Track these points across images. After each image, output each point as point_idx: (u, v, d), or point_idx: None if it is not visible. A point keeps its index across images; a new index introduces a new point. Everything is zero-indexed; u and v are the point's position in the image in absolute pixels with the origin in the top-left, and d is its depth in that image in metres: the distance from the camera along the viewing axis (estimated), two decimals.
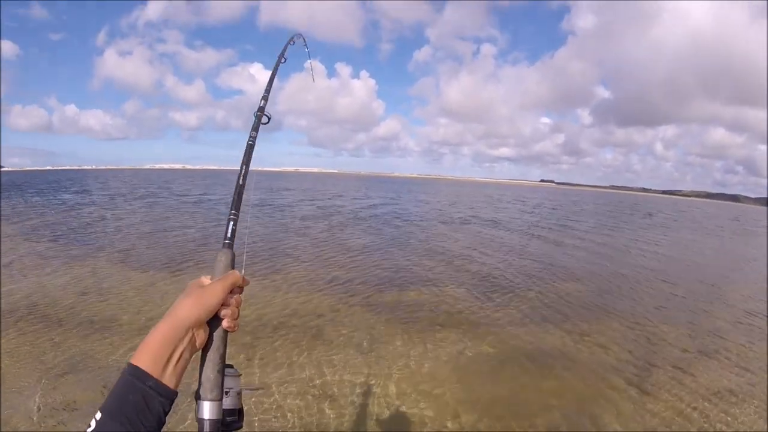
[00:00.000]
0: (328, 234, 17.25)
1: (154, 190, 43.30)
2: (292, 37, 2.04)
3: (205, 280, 0.94)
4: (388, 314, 8.02)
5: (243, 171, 1.25)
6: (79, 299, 8.28)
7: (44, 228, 16.44)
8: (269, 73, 1.65)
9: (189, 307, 0.84)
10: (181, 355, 0.79)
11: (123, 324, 7.05)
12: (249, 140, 1.35)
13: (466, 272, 11.59)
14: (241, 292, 0.97)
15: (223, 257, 1.01)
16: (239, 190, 1.20)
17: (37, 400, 4.80)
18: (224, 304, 0.90)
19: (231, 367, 0.93)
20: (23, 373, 5.40)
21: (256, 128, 1.42)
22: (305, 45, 2.28)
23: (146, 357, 0.73)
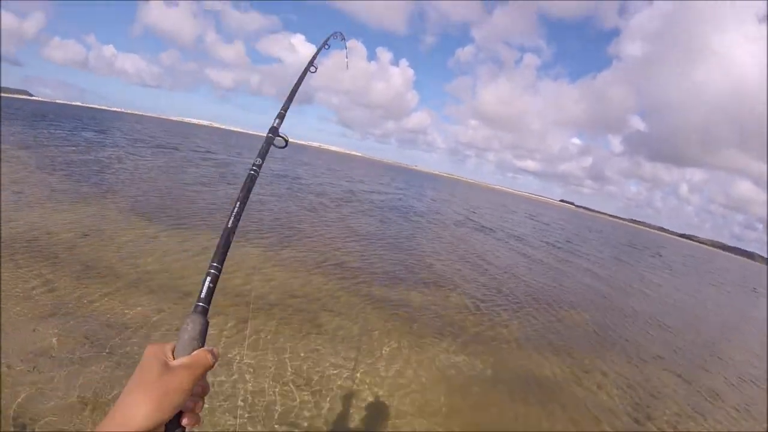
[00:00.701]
0: (339, 216, 17.03)
1: (177, 142, 43.32)
2: (328, 38, 1.96)
3: (169, 354, 0.72)
4: (386, 310, 7.77)
5: (237, 209, 0.97)
6: (80, 240, 8.14)
7: (60, 162, 16.40)
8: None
9: (148, 410, 0.62)
10: None
11: (118, 273, 6.89)
12: (252, 170, 1.09)
13: (472, 282, 11.29)
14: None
15: (192, 326, 0.78)
16: (227, 236, 0.92)
17: (14, 341, 4.65)
18: (189, 398, 0.70)
19: None
20: (9, 309, 5.24)
21: (263, 155, 1.16)
22: (345, 43, 2.25)
23: None
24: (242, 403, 4.37)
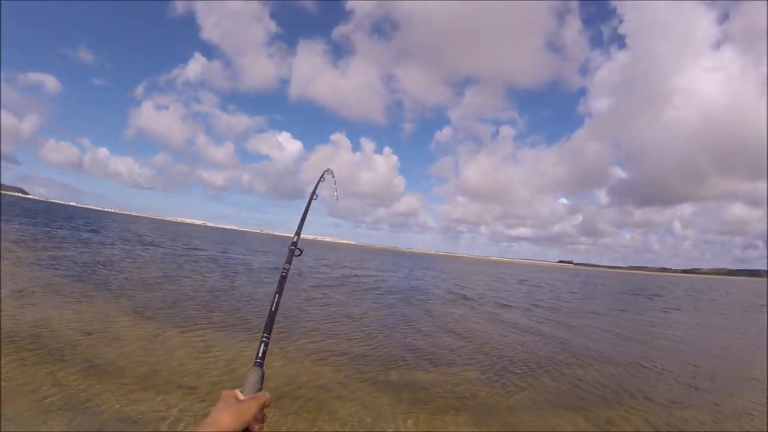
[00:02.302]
0: (336, 302, 16.95)
1: (171, 241, 43.66)
2: (323, 174, 2.53)
3: (239, 394, 1.10)
4: (395, 393, 7.58)
5: (276, 299, 1.42)
6: (84, 338, 8.14)
7: (60, 261, 16.56)
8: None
9: (230, 419, 0.98)
10: None
11: (123, 371, 6.84)
12: (282, 272, 1.57)
13: (478, 353, 11.08)
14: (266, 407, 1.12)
15: (254, 375, 1.18)
16: (272, 317, 1.37)
17: None
18: (254, 419, 1.05)
19: None
20: (17, 403, 5.21)
21: (289, 260, 1.65)
22: (334, 180, 2.79)
23: None
24: None
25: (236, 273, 23.00)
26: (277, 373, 7.97)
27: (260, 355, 1.24)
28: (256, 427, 1.05)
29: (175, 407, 5.80)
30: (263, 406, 1.08)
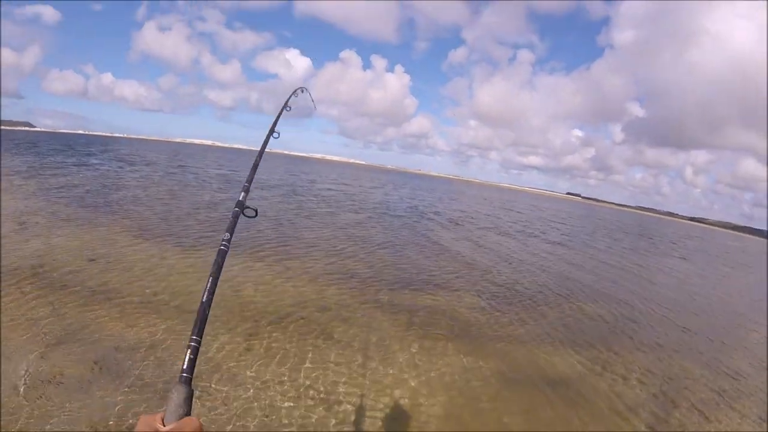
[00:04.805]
0: (340, 222, 16.94)
1: (180, 163, 43.47)
2: (296, 91, 2.52)
3: (158, 422, 0.82)
4: (396, 316, 7.65)
5: (209, 285, 1.07)
6: (86, 266, 8.09)
7: (64, 188, 16.44)
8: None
9: None
10: None
11: (125, 297, 6.82)
12: (222, 245, 1.17)
13: (482, 280, 11.14)
14: None
15: (177, 395, 0.87)
16: (203, 310, 1.02)
17: (24, 369, 4.59)
18: None
19: None
20: (16, 337, 5.19)
21: (231, 229, 1.23)
22: (311, 98, 2.88)
23: None
24: (256, 419, 4.29)
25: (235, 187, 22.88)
26: (279, 291, 8.00)
27: (186, 366, 0.92)
28: None
29: (174, 331, 5.81)
30: None
